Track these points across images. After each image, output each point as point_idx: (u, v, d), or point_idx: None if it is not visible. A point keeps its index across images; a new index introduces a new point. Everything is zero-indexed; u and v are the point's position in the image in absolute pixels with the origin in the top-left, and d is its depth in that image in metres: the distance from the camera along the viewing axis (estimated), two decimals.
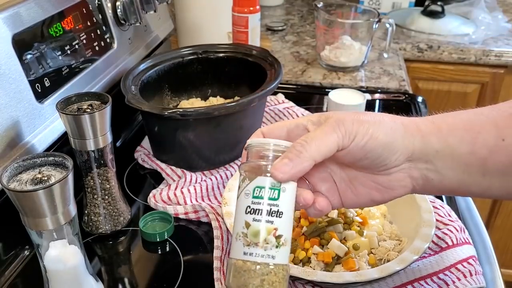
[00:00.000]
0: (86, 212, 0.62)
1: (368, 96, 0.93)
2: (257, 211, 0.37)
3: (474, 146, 0.38)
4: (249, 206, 0.37)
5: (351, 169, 0.42)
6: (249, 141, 0.40)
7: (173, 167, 0.73)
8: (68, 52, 0.66)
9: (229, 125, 0.71)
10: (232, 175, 0.70)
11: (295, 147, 0.38)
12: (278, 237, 0.37)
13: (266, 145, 0.39)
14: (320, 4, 1.07)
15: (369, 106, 0.93)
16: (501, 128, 0.38)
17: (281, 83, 0.86)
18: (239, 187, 0.39)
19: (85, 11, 0.71)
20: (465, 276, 0.53)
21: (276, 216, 0.37)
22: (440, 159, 0.39)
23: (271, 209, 0.37)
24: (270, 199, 0.37)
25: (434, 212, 0.59)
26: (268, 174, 0.38)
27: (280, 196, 0.38)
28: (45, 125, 0.60)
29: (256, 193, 0.37)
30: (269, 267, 0.37)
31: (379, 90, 1.01)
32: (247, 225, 0.37)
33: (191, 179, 0.71)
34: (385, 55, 1.15)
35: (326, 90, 0.95)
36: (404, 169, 0.40)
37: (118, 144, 0.81)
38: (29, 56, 0.59)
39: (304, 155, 0.37)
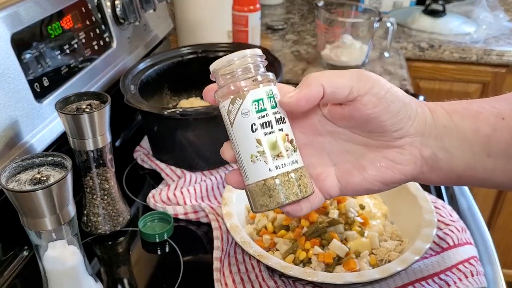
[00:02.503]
0: (85, 212, 0.61)
1: None
2: (266, 123, 0.35)
3: (477, 123, 0.38)
4: (255, 123, 0.35)
5: (359, 145, 0.39)
6: (212, 66, 0.37)
7: (173, 167, 0.73)
8: (67, 51, 0.66)
9: None
10: None
11: (304, 78, 0.36)
12: (291, 141, 0.36)
13: (232, 61, 0.36)
14: (321, 3, 1.07)
15: None
16: (499, 109, 0.38)
17: (281, 83, 0.86)
18: (228, 114, 0.36)
19: (84, 10, 0.71)
20: (466, 277, 0.53)
21: (282, 122, 0.36)
22: (448, 135, 0.38)
23: (275, 117, 0.36)
24: (272, 107, 0.36)
25: (436, 213, 0.58)
26: (261, 85, 0.36)
27: (277, 101, 0.36)
28: (44, 125, 0.60)
29: (256, 108, 0.35)
30: (298, 171, 0.36)
31: None
32: (260, 142, 0.35)
33: (190, 179, 0.70)
34: (386, 54, 1.15)
35: None
36: (415, 143, 0.38)
37: (117, 144, 0.81)
38: (28, 56, 0.58)
39: (312, 81, 0.36)
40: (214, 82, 0.39)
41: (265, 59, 0.39)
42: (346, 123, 0.39)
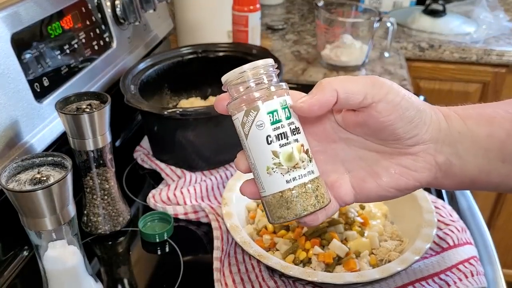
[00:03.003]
0: (85, 212, 0.61)
1: None
2: (282, 135, 0.35)
3: (492, 128, 0.37)
4: (270, 135, 0.35)
5: (373, 152, 0.39)
6: (224, 78, 0.37)
7: (173, 167, 0.73)
8: (67, 51, 0.66)
9: (229, 125, 0.70)
10: (232, 175, 0.70)
11: (318, 83, 0.36)
12: (306, 152, 0.36)
13: (244, 72, 0.36)
14: (321, 3, 1.07)
15: None
16: None
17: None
18: (242, 126, 0.36)
19: (84, 10, 0.71)
20: (466, 277, 0.53)
21: (297, 133, 0.36)
22: (462, 142, 0.38)
23: (290, 127, 0.36)
24: (286, 118, 0.36)
25: (436, 213, 0.58)
26: (275, 96, 0.35)
27: (291, 112, 0.36)
28: (44, 125, 0.60)
29: (271, 119, 0.35)
30: (315, 182, 0.36)
31: None
32: (276, 154, 0.35)
33: (190, 179, 0.70)
34: (386, 54, 1.15)
35: None
36: (429, 150, 0.38)
37: (117, 144, 0.81)
38: (28, 56, 0.58)
39: (325, 86, 0.35)
40: (225, 92, 0.38)
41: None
42: (360, 130, 0.38)
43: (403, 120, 0.36)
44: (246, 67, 0.36)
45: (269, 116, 0.35)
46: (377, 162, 0.39)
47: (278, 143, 0.35)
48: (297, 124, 0.36)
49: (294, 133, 0.36)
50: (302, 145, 0.36)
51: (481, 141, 0.37)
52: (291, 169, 0.35)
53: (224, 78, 0.37)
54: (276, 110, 0.35)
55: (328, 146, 0.40)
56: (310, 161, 0.36)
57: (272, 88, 0.36)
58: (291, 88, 0.38)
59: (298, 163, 0.36)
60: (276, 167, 0.35)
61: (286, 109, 0.36)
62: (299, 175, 0.36)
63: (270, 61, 0.37)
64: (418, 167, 0.38)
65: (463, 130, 0.38)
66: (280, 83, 0.36)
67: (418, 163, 0.38)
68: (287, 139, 0.35)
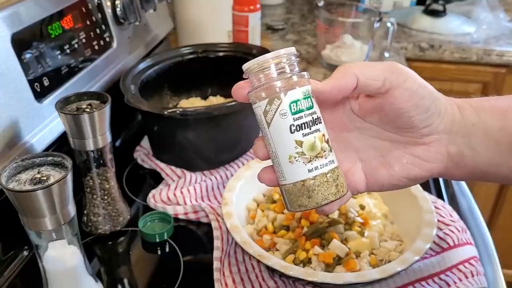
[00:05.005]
0: (85, 212, 0.61)
1: None
2: (304, 125, 0.35)
3: (505, 121, 0.38)
4: (293, 124, 0.35)
5: (386, 141, 0.40)
6: (245, 66, 0.37)
7: (173, 167, 0.73)
8: (67, 51, 0.66)
9: (229, 125, 0.71)
10: (232, 175, 0.70)
11: (338, 68, 0.36)
12: (327, 141, 0.37)
13: (267, 61, 0.36)
14: (321, 3, 1.07)
15: None
16: None
17: None
18: (264, 115, 0.36)
19: (84, 10, 0.71)
20: (466, 277, 0.53)
21: (319, 123, 0.36)
22: (475, 133, 0.38)
23: (313, 117, 0.36)
24: (308, 108, 0.36)
25: (436, 213, 0.58)
26: (298, 86, 0.35)
27: (313, 102, 0.36)
28: (44, 125, 0.60)
29: (294, 109, 0.35)
30: (335, 171, 0.37)
31: None
32: (299, 143, 0.35)
33: (190, 179, 0.70)
34: (387, 54, 1.15)
35: None
36: (442, 140, 0.38)
37: (117, 144, 0.81)
38: (28, 55, 0.58)
39: (346, 70, 0.36)
40: (245, 79, 0.38)
41: None
42: (376, 117, 0.39)
43: (419, 108, 0.36)
44: (269, 56, 0.36)
45: (293, 105, 0.35)
46: (390, 151, 0.39)
47: (301, 133, 0.35)
48: (319, 113, 0.37)
49: (316, 122, 0.36)
50: (324, 135, 0.36)
51: (493, 133, 0.38)
52: (313, 159, 0.36)
53: (246, 66, 0.37)
54: (299, 100, 0.35)
55: (342, 134, 0.40)
56: (331, 150, 0.37)
57: (295, 78, 0.36)
58: None
59: (320, 152, 0.36)
60: (299, 156, 0.36)
61: (309, 99, 0.36)
62: (320, 165, 0.36)
63: (292, 49, 0.37)
64: (431, 157, 0.38)
65: (476, 122, 0.38)
66: (303, 72, 0.37)
67: (431, 153, 0.38)
68: (310, 129, 0.36)
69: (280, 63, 0.36)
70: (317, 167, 0.36)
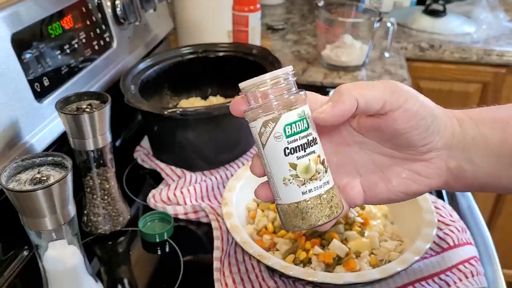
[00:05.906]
0: (85, 212, 0.61)
1: None
2: (298, 148, 0.35)
3: (505, 133, 0.37)
4: (287, 148, 0.35)
5: (385, 157, 0.39)
6: (242, 85, 0.36)
7: (173, 167, 0.73)
8: (68, 51, 0.66)
9: (229, 125, 0.71)
10: (232, 175, 0.70)
11: (337, 90, 0.36)
12: (322, 162, 0.36)
13: (264, 82, 0.35)
14: (321, 3, 1.07)
15: None
16: None
17: None
18: (259, 136, 0.36)
19: (84, 10, 0.71)
20: (466, 277, 0.53)
21: (314, 144, 0.36)
22: (475, 147, 0.38)
23: (308, 139, 0.36)
24: (303, 131, 0.35)
25: (436, 213, 0.58)
26: (294, 108, 0.35)
27: (308, 123, 0.36)
28: (44, 125, 0.60)
29: (289, 132, 0.35)
30: (330, 192, 0.37)
31: None
32: (293, 166, 0.35)
33: (190, 179, 0.70)
34: (387, 54, 1.15)
35: (327, 89, 0.95)
36: (442, 156, 0.38)
37: (117, 144, 0.81)
38: (28, 55, 0.58)
39: (345, 94, 0.35)
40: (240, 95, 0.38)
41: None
42: (375, 135, 0.39)
43: (419, 128, 0.36)
44: (266, 76, 0.36)
45: (287, 128, 0.35)
46: (389, 167, 0.40)
47: (296, 155, 0.35)
48: (315, 134, 0.36)
49: (312, 144, 0.36)
50: (319, 156, 0.36)
51: (493, 146, 0.38)
52: (307, 181, 0.36)
53: (242, 85, 0.36)
54: (294, 122, 0.35)
55: (342, 149, 0.40)
56: (326, 171, 0.37)
57: (292, 99, 0.35)
58: None
59: (315, 174, 0.36)
60: (293, 179, 0.36)
61: (304, 120, 0.36)
62: (315, 187, 0.36)
63: (289, 69, 0.36)
64: (430, 173, 0.38)
65: (476, 136, 0.38)
66: (299, 93, 0.36)
67: (430, 169, 0.38)
68: (305, 151, 0.35)
69: (276, 84, 0.36)
70: (311, 189, 0.36)
